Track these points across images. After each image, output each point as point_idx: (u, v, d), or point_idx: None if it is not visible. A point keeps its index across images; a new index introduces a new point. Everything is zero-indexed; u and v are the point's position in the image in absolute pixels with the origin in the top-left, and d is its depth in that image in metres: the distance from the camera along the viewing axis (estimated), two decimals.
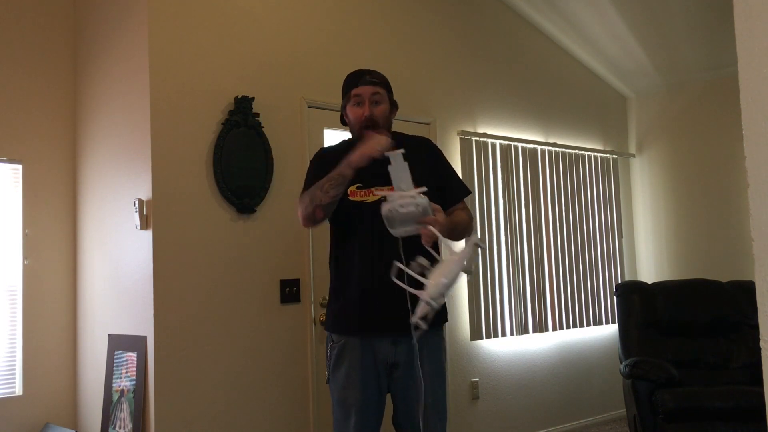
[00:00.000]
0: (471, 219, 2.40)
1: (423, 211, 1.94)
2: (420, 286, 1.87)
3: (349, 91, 2.33)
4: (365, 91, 2.30)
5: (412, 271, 1.87)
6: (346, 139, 2.48)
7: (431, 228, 1.96)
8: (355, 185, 2.29)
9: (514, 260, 4.46)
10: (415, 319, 1.86)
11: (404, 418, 2.31)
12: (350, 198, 2.29)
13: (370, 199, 2.28)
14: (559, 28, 4.87)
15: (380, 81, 2.34)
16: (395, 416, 2.35)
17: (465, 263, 1.88)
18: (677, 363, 3.90)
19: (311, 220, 2.28)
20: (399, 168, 1.94)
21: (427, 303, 1.80)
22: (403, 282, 1.90)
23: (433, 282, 1.82)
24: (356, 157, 2.18)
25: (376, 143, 2.16)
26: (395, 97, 2.43)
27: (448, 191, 2.37)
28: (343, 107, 2.37)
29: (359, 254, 2.29)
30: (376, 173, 2.28)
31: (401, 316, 2.23)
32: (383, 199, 2.06)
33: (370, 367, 2.28)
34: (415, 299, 1.90)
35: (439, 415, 2.30)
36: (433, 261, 1.93)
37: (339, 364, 2.31)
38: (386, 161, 2.31)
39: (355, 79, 2.34)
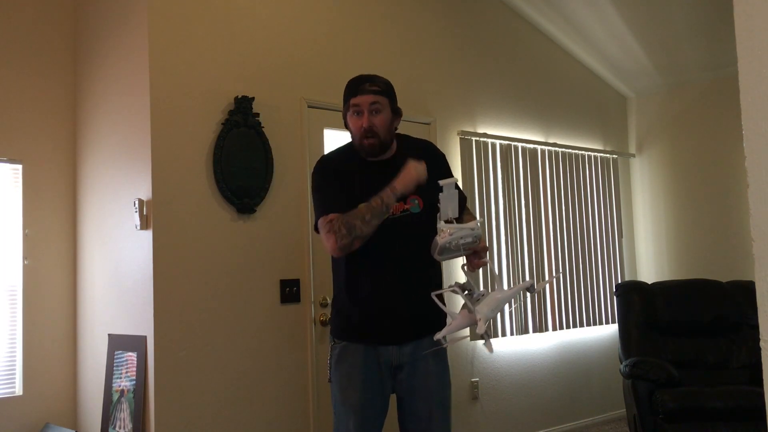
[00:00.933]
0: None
1: (477, 241, 2.06)
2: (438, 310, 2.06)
3: (348, 100, 2.27)
4: (363, 101, 2.22)
5: (457, 289, 2.04)
6: (345, 144, 2.43)
7: (484, 258, 2.13)
8: (364, 204, 2.27)
9: (514, 260, 4.46)
10: (439, 336, 1.99)
11: (410, 419, 2.31)
12: None
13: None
14: (559, 28, 4.87)
15: (380, 89, 2.25)
16: (401, 417, 2.35)
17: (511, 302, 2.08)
18: (677, 363, 3.90)
19: (345, 250, 2.17)
20: (449, 196, 2.03)
21: (482, 336, 1.96)
22: (430, 302, 2.07)
23: (483, 317, 1.95)
24: (401, 185, 2.16)
25: (418, 173, 2.17)
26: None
27: None
28: (344, 114, 2.32)
29: (375, 266, 2.27)
30: (382, 189, 2.27)
31: (411, 323, 2.24)
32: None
33: (373, 368, 2.27)
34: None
35: (444, 417, 2.31)
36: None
37: (340, 365, 2.30)
38: (389, 173, 2.31)
39: (354, 87, 2.26)
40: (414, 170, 2.17)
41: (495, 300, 1.99)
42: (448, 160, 2.56)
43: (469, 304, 1.98)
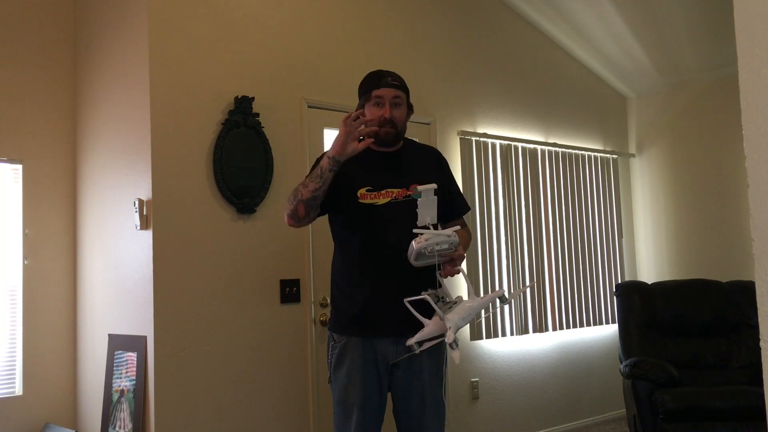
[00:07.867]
0: (470, 237, 2.49)
1: (453, 248, 2.07)
2: (426, 312, 2.05)
3: (370, 92, 2.35)
4: (387, 94, 2.32)
5: (428, 297, 2.03)
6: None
7: (459, 266, 2.14)
8: (365, 188, 2.31)
9: (514, 260, 4.46)
10: (411, 342, 2.01)
11: (404, 418, 2.33)
12: (360, 201, 2.30)
13: (380, 201, 2.30)
14: (559, 28, 4.87)
15: (400, 84, 2.37)
16: (396, 415, 2.36)
17: (483, 311, 2.04)
18: (677, 363, 3.90)
19: (294, 218, 2.27)
20: (428, 202, 2.04)
21: (449, 346, 1.94)
22: (416, 306, 2.06)
23: (453, 325, 1.94)
24: (332, 149, 2.19)
25: (341, 132, 2.16)
26: None
27: (452, 206, 2.43)
28: (361, 106, 2.39)
29: (368, 256, 2.31)
30: (385, 175, 2.31)
31: (404, 319, 2.25)
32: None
33: (371, 366, 2.29)
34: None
35: (438, 416, 2.32)
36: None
37: (340, 364, 2.32)
38: (393, 162, 2.34)
39: (377, 80, 2.35)
40: (341, 129, 2.20)
41: (466, 308, 1.99)
42: (449, 161, 2.59)
43: (439, 312, 1.98)
